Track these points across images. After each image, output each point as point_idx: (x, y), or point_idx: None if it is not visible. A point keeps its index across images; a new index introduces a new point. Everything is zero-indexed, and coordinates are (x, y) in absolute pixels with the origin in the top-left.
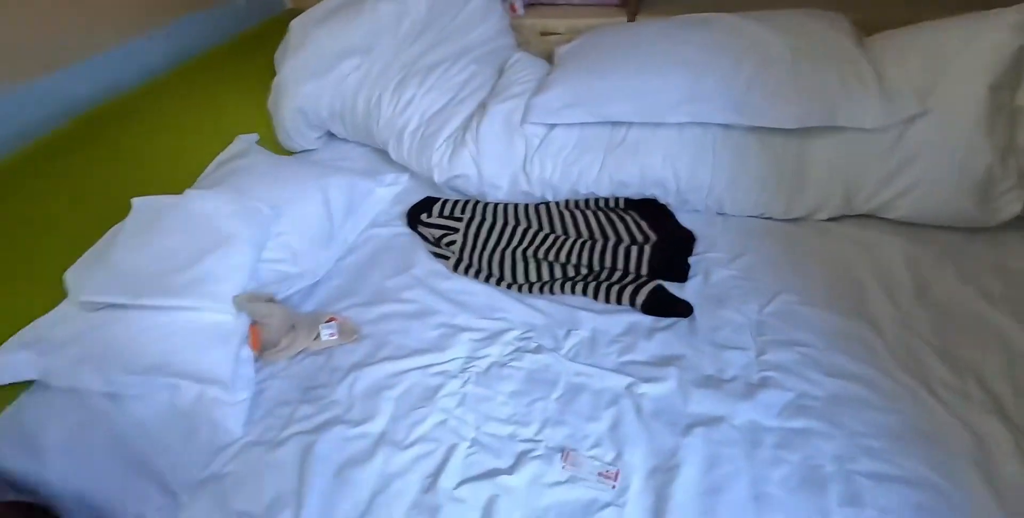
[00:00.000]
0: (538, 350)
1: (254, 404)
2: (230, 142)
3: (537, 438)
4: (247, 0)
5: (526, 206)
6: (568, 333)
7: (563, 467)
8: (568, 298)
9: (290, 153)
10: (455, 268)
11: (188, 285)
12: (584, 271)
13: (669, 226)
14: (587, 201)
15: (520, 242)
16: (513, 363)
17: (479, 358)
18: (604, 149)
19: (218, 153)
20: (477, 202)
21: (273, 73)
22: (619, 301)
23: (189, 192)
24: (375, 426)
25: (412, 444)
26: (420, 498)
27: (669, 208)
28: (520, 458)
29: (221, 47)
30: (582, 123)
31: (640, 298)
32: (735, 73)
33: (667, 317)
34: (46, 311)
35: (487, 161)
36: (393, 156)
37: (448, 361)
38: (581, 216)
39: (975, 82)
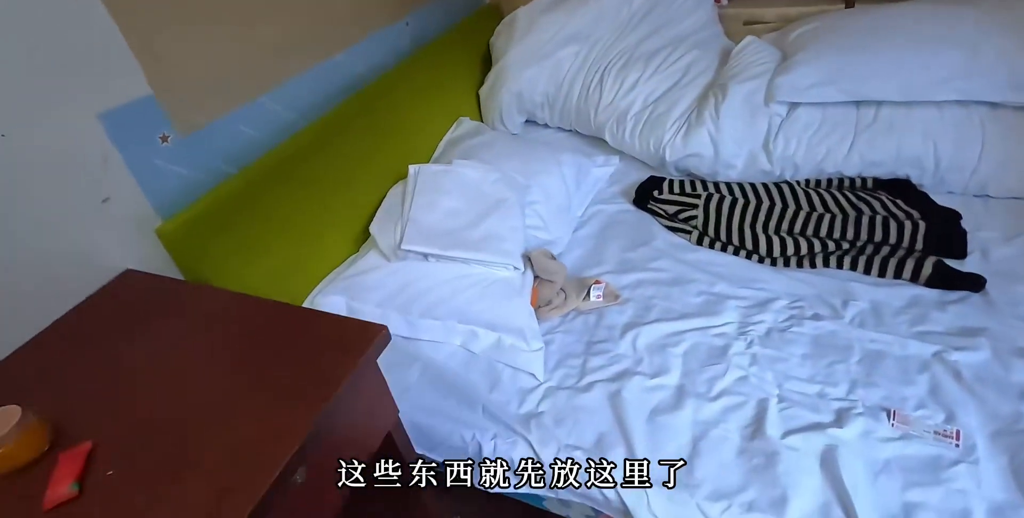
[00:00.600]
0: (816, 318)
1: (546, 354)
2: (449, 121)
3: (851, 397)
4: None
5: (765, 185)
6: (845, 303)
7: (892, 425)
8: (831, 271)
9: None
10: (699, 241)
11: (481, 242)
12: (846, 246)
13: (929, 204)
14: (830, 180)
15: (769, 217)
16: (794, 329)
17: (754, 323)
18: (854, 127)
19: (443, 131)
20: (708, 182)
21: (478, 60)
22: (897, 275)
23: (456, 161)
24: (671, 379)
25: (718, 397)
26: (748, 443)
27: (922, 189)
28: (841, 414)
29: (443, 36)
30: (826, 103)
31: (925, 271)
32: (1015, 49)
33: (955, 291)
34: (345, 257)
35: (726, 139)
36: (609, 139)
37: (722, 324)
38: (829, 195)
39: None
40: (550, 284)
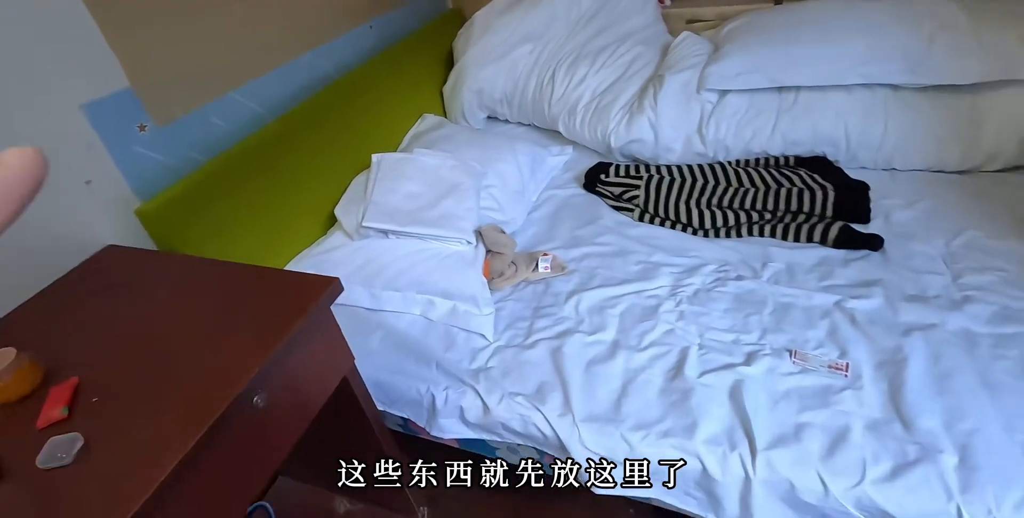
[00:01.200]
0: (739, 278)
1: (496, 319)
2: (415, 118)
3: (761, 342)
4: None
5: (699, 166)
6: (764, 265)
7: (793, 362)
8: (754, 239)
9: None
10: (641, 218)
11: (437, 219)
12: (768, 216)
13: (841, 177)
14: (757, 160)
15: (702, 194)
16: (718, 289)
17: (684, 286)
18: (776, 111)
19: (407, 127)
20: (651, 165)
21: (441, 62)
22: (809, 239)
23: (416, 150)
24: (607, 335)
25: (647, 347)
26: (668, 384)
27: (838, 164)
28: (751, 356)
29: (407, 39)
30: (752, 89)
31: (832, 234)
32: (913, 37)
33: (858, 250)
34: (313, 240)
35: (664, 126)
36: (563, 130)
37: (656, 288)
38: (756, 173)
39: None
40: (501, 256)
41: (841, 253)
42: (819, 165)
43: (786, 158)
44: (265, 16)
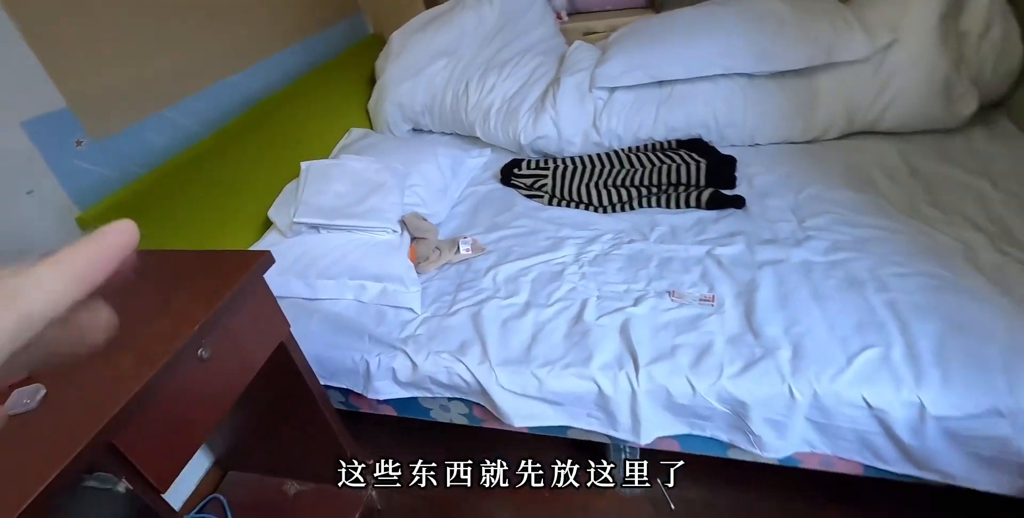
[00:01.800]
0: (631, 242)
1: (423, 296)
2: (341, 132)
3: (647, 288)
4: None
5: (597, 154)
6: (652, 229)
7: (672, 300)
8: (644, 210)
9: None
10: (550, 202)
11: (364, 213)
12: (654, 190)
13: (715, 154)
14: (646, 145)
15: (600, 177)
16: (614, 252)
17: (586, 252)
18: (656, 103)
19: (335, 141)
20: (557, 158)
21: (365, 81)
22: (687, 205)
23: (343, 156)
24: (520, 298)
25: (553, 303)
26: (570, 329)
27: (711, 144)
28: (638, 300)
29: (333, 60)
30: (637, 85)
31: (704, 198)
32: (758, 34)
33: (726, 208)
34: (251, 242)
35: (564, 122)
36: (479, 133)
37: (562, 256)
38: (644, 156)
39: (928, 14)
40: (425, 242)
41: (713, 213)
42: (696, 145)
43: (669, 142)
44: (198, 37)
